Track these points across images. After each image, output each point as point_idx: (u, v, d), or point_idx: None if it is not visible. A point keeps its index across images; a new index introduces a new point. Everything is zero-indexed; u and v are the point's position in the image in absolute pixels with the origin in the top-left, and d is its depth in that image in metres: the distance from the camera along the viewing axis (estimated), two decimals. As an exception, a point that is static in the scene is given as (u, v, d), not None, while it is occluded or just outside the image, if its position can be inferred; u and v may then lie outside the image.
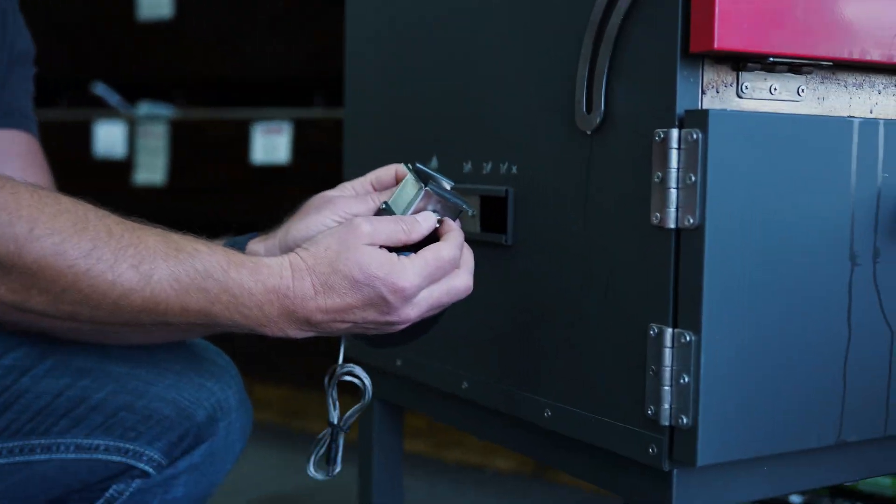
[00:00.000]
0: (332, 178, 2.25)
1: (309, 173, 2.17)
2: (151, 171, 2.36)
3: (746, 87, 0.82)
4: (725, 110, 0.79)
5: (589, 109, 0.86)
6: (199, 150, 2.32)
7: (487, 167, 0.99)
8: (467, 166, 1.02)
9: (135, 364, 0.89)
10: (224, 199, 2.26)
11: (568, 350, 0.90)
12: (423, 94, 1.09)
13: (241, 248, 0.83)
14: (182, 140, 2.34)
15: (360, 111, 1.20)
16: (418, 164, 0.82)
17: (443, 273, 0.80)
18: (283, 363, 2.24)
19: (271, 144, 2.21)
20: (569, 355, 0.89)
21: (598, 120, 0.85)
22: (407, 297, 0.77)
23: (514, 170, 0.96)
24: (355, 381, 0.83)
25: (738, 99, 0.82)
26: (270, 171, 2.20)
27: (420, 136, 1.09)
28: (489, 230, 0.96)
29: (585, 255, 0.88)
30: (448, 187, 0.83)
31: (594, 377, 0.87)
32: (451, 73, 1.05)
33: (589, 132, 0.87)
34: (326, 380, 0.84)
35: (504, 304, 0.96)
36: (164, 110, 2.44)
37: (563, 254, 0.91)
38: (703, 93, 0.80)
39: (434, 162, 1.07)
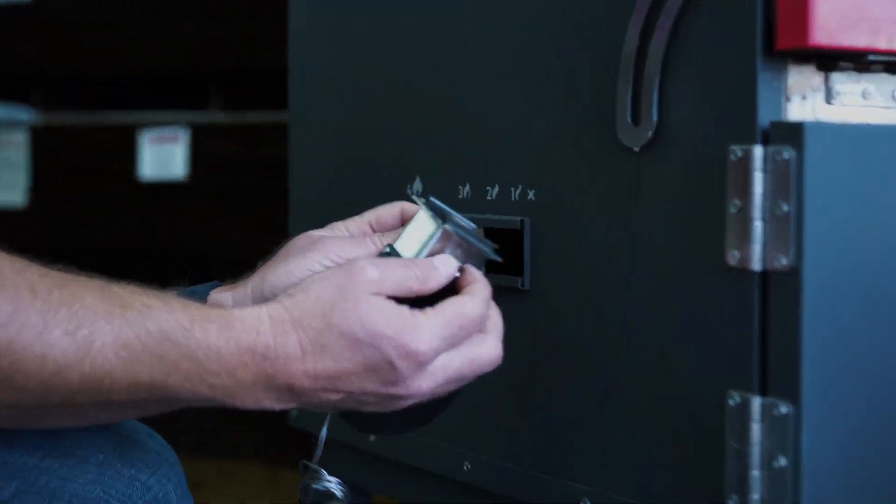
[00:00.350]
0: (241, 195, 2.17)
1: (211, 190, 2.11)
2: (8, 189, 2.28)
3: (837, 92, 0.78)
4: (822, 122, 0.75)
5: (636, 120, 0.81)
6: (69, 164, 2.23)
7: (493, 192, 0.94)
8: (464, 190, 0.97)
9: (45, 453, 0.82)
10: (105, 223, 2.19)
11: (610, 423, 0.85)
12: (398, 96, 1.04)
13: (200, 299, 0.76)
14: (46, 151, 2.24)
15: (310, 118, 1.16)
16: (432, 198, 0.75)
17: (466, 335, 0.73)
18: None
19: (164, 155, 2.13)
20: (612, 430, 0.85)
21: (650, 134, 0.81)
22: (421, 364, 0.71)
23: (531, 195, 0.91)
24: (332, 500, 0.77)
25: (827, 106, 0.78)
26: (163, 188, 2.15)
27: (395, 151, 1.04)
28: (500, 271, 0.90)
29: (632, 305, 0.83)
30: (470, 228, 0.76)
31: (649, 458, 0.82)
32: (438, 68, 1.00)
33: (636, 149, 0.82)
34: (301, 496, 0.78)
35: (520, 365, 0.91)
36: (23, 114, 2.33)
37: (598, 303, 0.86)
38: (787, 100, 0.76)
39: (417, 185, 1.01)
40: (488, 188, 0.95)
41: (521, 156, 0.92)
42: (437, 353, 0.72)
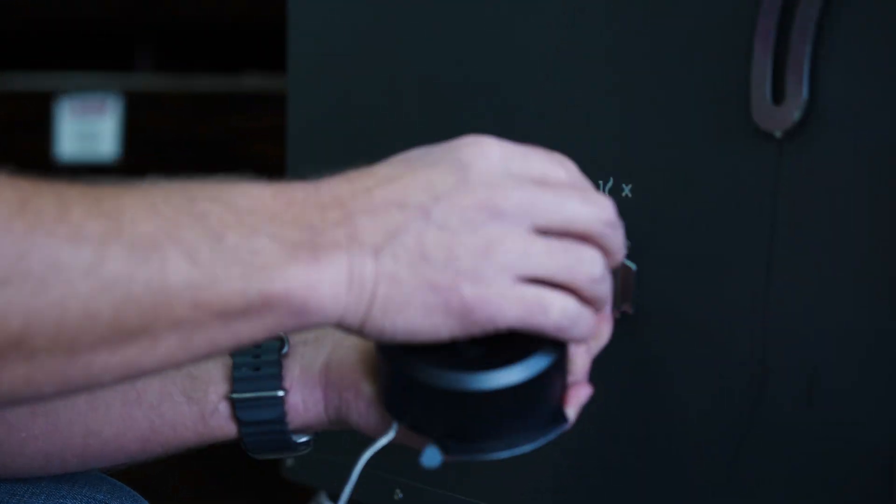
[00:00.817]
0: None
1: (146, 175, 2.06)
2: None
3: None
4: None
5: (778, 99, 0.78)
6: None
7: None
8: None
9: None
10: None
11: (743, 487, 0.82)
12: (440, 63, 1.02)
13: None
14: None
15: (317, 85, 1.13)
16: None
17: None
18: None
19: (88, 130, 2.09)
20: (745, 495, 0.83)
21: (797, 115, 0.78)
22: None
23: (627, 191, 0.88)
24: None
25: None
26: (86, 172, 2.12)
27: (431, 129, 1.00)
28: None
29: (766, 337, 0.81)
30: None
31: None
32: (490, 28, 0.97)
33: (778, 134, 0.79)
34: None
35: (616, 410, 0.89)
36: None
37: (721, 332, 0.83)
38: None
39: None
40: (566, 180, 0.91)
41: (609, 140, 0.89)
42: None
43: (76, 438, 0.84)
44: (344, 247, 0.66)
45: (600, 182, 0.89)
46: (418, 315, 0.66)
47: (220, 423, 0.83)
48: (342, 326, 0.67)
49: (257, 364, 0.82)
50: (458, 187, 0.69)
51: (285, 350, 0.82)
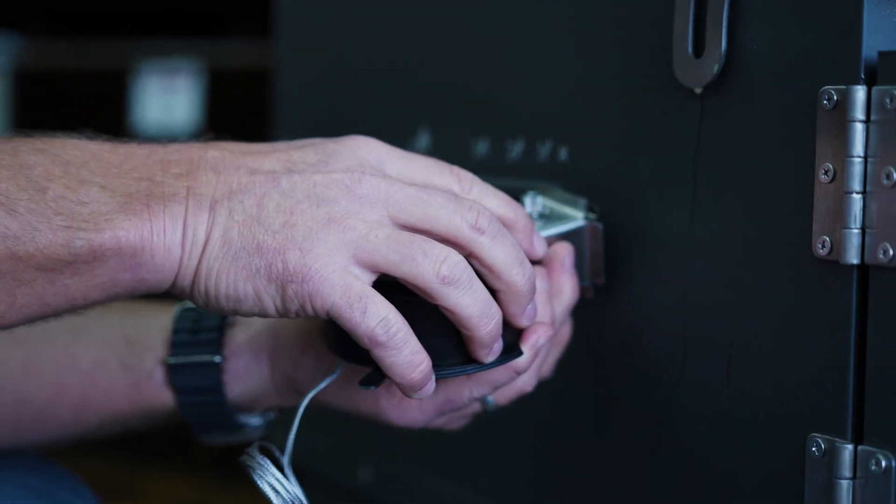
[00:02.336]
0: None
1: None
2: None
3: None
4: None
5: (699, 51, 0.75)
6: (55, 109, 2.21)
7: (516, 148, 0.89)
8: (481, 146, 0.92)
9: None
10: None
11: (662, 471, 0.80)
12: (401, 32, 1.01)
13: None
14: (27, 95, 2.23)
15: (301, 54, 1.13)
16: None
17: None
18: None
19: (168, 101, 2.11)
20: (664, 479, 0.80)
21: (716, 68, 0.74)
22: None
23: (563, 154, 0.84)
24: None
25: None
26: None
27: (400, 99, 1.01)
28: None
29: (688, 311, 0.77)
30: None
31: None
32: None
33: (698, 90, 0.75)
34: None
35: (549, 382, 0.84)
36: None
37: (650, 305, 0.80)
38: None
39: (424, 140, 0.95)
40: (507, 143, 0.88)
41: (549, 103, 0.86)
42: None
43: (7, 406, 0.84)
44: (182, 199, 0.64)
45: (539, 144, 0.86)
46: (241, 277, 0.64)
47: (155, 391, 0.82)
48: (176, 289, 0.66)
49: (196, 329, 0.81)
50: (316, 166, 0.67)
51: (230, 319, 0.81)
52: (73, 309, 0.66)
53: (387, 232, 0.65)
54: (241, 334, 0.81)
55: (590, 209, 0.79)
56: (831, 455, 0.68)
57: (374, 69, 1.03)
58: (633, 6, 0.79)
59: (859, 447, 0.67)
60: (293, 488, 0.70)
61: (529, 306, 0.70)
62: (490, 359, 0.69)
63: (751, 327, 0.73)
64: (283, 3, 1.14)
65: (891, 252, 0.65)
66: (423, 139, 0.96)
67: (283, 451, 0.70)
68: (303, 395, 0.75)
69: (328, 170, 0.66)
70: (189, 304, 0.81)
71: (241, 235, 0.64)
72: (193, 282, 0.64)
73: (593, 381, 0.84)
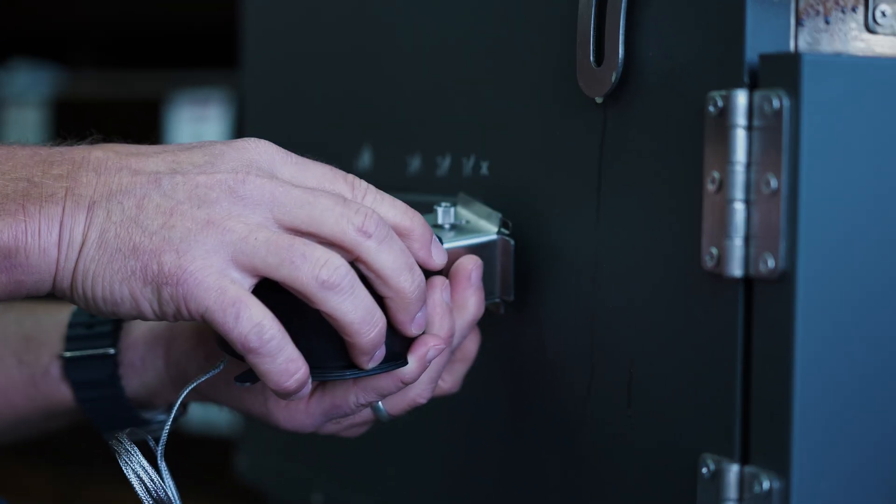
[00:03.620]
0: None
1: None
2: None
3: (883, 14, 0.67)
4: (836, 55, 0.64)
5: (599, 60, 0.72)
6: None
7: (444, 164, 0.87)
8: (414, 163, 0.91)
9: None
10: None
11: (571, 490, 0.78)
12: (347, 59, 1.00)
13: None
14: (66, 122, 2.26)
15: (264, 78, 1.14)
16: None
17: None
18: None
19: (199, 129, 2.13)
20: (572, 498, 0.78)
21: (614, 77, 0.71)
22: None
23: (484, 168, 0.83)
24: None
25: (865, 35, 0.67)
26: None
27: (346, 121, 1.00)
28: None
29: (595, 328, 0.75)
30: None
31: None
32: (382, 24, 0.95)
33: (599, 99, 0.73)
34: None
35: (463, 399, 0.84)
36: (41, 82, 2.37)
37: (558, 322, 0.78)
38: (798, 23, 0.66)
39: (367, 158, 0.94)
40: (439, 159, 0.87)
41: (471, 119, 0.85)
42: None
43: None
44: (59, 200, 0.63)
45: (464, 159, 0.85)
46: (116, 279, 0.63)
47: (52, 386, 0.81)
48: (57, 292, 0.65)
49: (92, 322, 0.80)
50: (202, 167, 0.65)
51: None
52: None
53: (266, 235, 0.63)
54: (138, 327, 0.80)
55: (504, 224, 0.78)
56: (719, 476, 0.65)
57: (324, 95, 1.02)
58: (544, 18, 0.78)
59: (745, 468, 0.64)
60: (162, 480, 0.68)
61: (419, 314, 0.68)
62: (371, 365, 0.67)
63: (649, 344, 0.70)
64: (247, 36, 1.14)
65: (771, 263, 0.62)
66: (366, 158, 0.95)
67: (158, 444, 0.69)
68: (196, 393, 0.74)
69: (213, 171, 0.65)
70: None
71: (118, 237, 0.63)
72: (72, 284, 0.63)
73: (510, 399, 0.82)
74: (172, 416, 0.70)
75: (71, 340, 0.80)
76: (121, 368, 0.79)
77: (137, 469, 0.68)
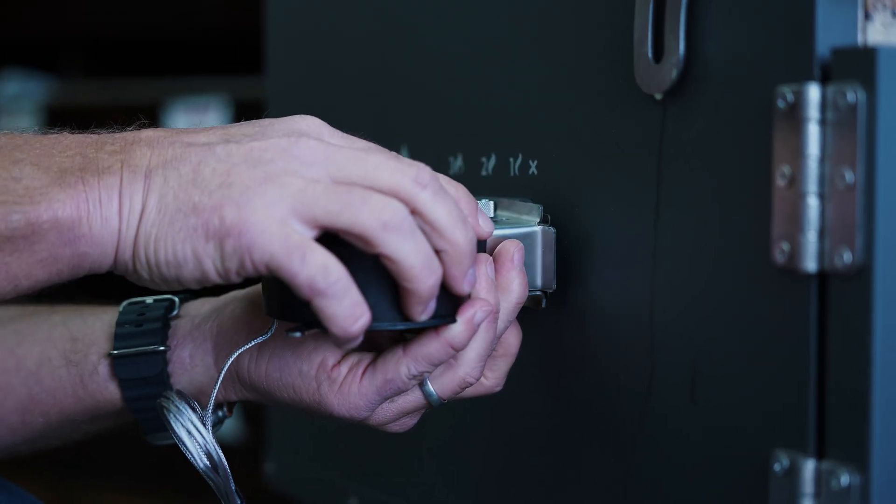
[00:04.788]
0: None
1: None
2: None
3: None
4: None
5: (658, 56, 0.72)
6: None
7: (489, 164, 0.87)
8: (456, 162, 0.90)
9: None
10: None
11: (633, 490, 0.77)
12: (383, 55, 0.99)
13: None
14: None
15: (291, 83, 1.13)
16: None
17: None
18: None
19: None
20: (635, 499, 0.78)
21: (674, 74, 0.71)
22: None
23: (533, 168, 0.82)
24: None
25: None
26: None
27: (380, 122, 1.00)
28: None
29: (654, 324, 0.75)
30: None
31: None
32: (424, 20, 0.95)
33: (658, 96, 0.73)
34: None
35: (503, 398, 0.84)
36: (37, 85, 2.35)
37: (614, 318, 0.78)
38: (866, 17, 0.66)
39: (404, 153, 0.94)
40: (482, 159, 0.87)
41: (519, 118, 0.84)
42: None
43: None
44: (116, 171, 0.64)
45: (511, 159, 0.84)
46: (178, 239, 0.64)
47: (100, 385, 0.80)
48: (119, 265, 0.65)
49: (140, 321, 0.81)
50: (253, 136, 0.67)
51: (176, 312, 0.81)
52: (17, 290, 0.65)
53: (320, 186, 0.64)
54: (186, 324, 0.80)
55: (544, 217, 0.78)
56: (793, 472, 0.65)
57: (357, 97, 1.02)
58: (595, 15, 0.78)
59: (822, 463, 0.64)
60: (209, 438, 0.71)
61: (470, 272, 0.68)
62: (423, 317, 0.67)
63: (714, 340, 0.70)
64: (271, 41, 1.13)
65: (847, 258, 0.62)
66: (404, 153, 0.95)
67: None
68: (247, 387, 0.75)
69: (265, 137, 0.66)
70: (134, 298, 0.81)
71: (177, 198, 0.64)
72: (133, 253, 0.64)
73: (555, 397, 0.82)
74: (220, 380, 0.73)
75: (120, 339, 0.80)
76: (169, 366, 0.79)
77: (188, 425, 0.70)
